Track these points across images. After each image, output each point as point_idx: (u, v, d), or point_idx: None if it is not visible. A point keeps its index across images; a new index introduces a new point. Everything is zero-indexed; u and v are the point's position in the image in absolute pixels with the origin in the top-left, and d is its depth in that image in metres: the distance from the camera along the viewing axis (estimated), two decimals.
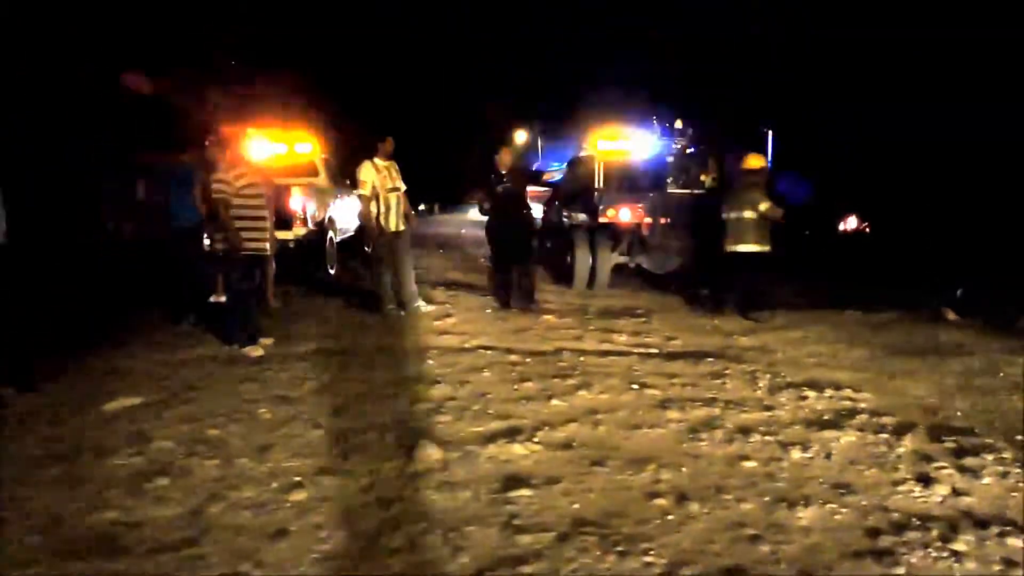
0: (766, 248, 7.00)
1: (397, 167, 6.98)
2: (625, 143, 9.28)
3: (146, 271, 10.17)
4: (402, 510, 2.76)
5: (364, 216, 6.84)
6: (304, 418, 3.81)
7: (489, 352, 5.29)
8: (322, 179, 10.44)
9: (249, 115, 11.01)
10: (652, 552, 2.37)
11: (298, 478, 3.06)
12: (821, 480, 2.96)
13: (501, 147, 7.58)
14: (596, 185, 9.03)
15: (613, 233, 8.96)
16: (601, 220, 8.76)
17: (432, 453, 3.21)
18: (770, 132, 8.43)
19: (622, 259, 9.31)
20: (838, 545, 2.42)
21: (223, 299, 7.52)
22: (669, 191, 9.04)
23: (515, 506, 2.74)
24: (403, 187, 6.98)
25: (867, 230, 12.72)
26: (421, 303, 7.14)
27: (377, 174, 6.75)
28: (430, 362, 5.00)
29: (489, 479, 3.00)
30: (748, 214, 6.92)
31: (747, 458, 3.19)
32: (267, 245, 5.83)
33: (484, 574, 2.29)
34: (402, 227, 6.90)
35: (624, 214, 8.61)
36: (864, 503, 2.74)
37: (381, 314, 6.87)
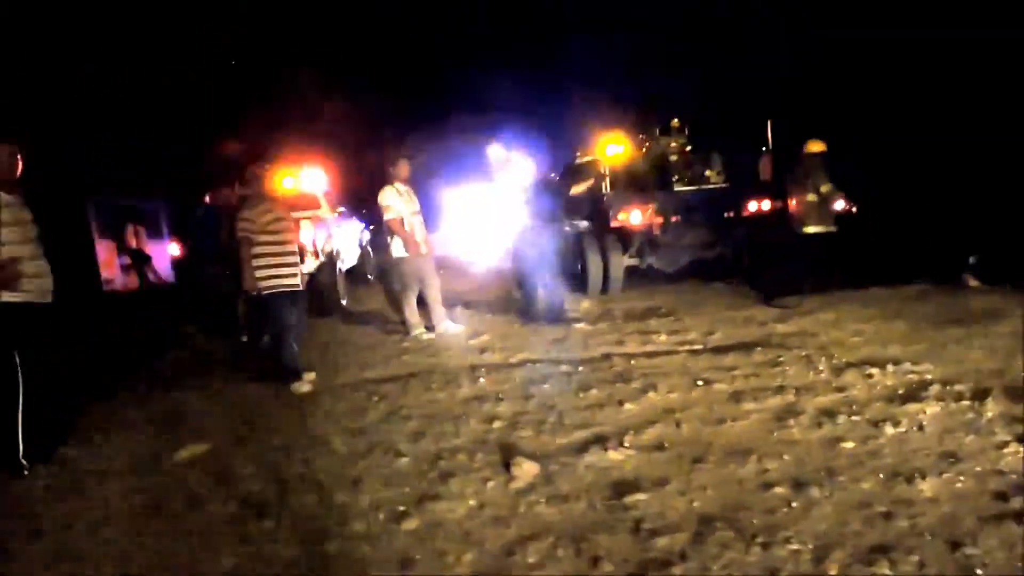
0: (832, 228, 7.21)
1: (413, 191, 7.00)
2: (629, 145, 9.37)
3: (148, 318, 10.13)
4: (522, 527, 2.74)
5: (402, 237, 6.79)
6: (383, 447, 3.77)
7: (538, 365, 5.29)
8: (325, 210, 10.42)
9: (253, 149, 11.00)
10: (793, 540, 2.38)
11: (402, 507, 3.03)
12: (926, 452, 2.99)
13: (526, 159, 7.58)
14: (603, 190, 9.08)
15: (623, 236, 9.02)
16: (612, 224, 8.80)
17: (531, 468, 3.20)
18: (769, 123, 8.55)
19: (632, 261, 9.36)
20: (972, 512, 2.45)
21: (244, 339, 7.54)
22: (676, 189, 9.13)
23: (636, 511, 2.74)
24: (420, 210, 7.01)
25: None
26: (449, 324, 7.13)
27: (400, 198, 6.77)
28: (483, 380, 4.98)
29: (597, 487, 2.99)
30: (810, 196, 7.14)
31: (842, 439, 3.22)
32: (298, 280, 5.77)
33: None
34: (425, 249, 6.91)
35: (635, 216, 8.67)
36: (978, 469, 2.78)
37: (412, 338, 6.86)
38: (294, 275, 5.66)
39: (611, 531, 2.61)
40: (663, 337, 5.94)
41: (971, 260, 7.51)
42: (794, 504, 2.65)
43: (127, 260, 15.23)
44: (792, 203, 7.41)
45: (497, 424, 3.95)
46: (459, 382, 4.97)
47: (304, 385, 5.36)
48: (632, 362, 5.08)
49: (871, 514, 2.51)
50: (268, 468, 3.65)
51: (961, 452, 2.95)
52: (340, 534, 2.85)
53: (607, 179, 9.07)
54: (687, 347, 5.51)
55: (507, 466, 3.27)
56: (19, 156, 3.77)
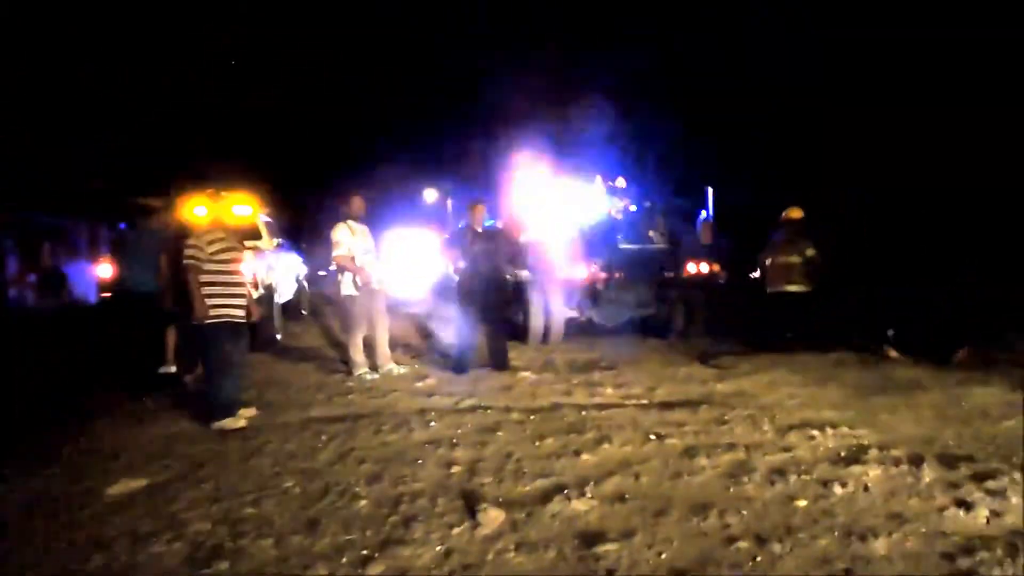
0: (810, 288, 7.91)
1: (368, 229, 6.98)
2: (574, 200, 9.64)
3: (64, 341, 9.59)
4: (495, 573, 2.73)
5: (352, 272, 6.70)
6: (339, 489, 3.68)
7: (489, 411, 5.29)
8: (266, 241, 10.21)
9: (190, 176, 10.71)
10: None
11: (365, 551, 2.96)
12: (874, 513, 3.15)
13: (475, 204, 7.56)
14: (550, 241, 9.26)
15: (567, 288, 9.19)
16: (559, 275, 8.97)
17: (497, 515, 3.19)
18: (710, 189, 8.98)
19: (573, 313, 9.54)
20: (924, 571, 2.59)
21: (172, 369, 7.23)
22: (621, 246, 9.41)
23: (607, 561, 2.77)
24: (374, 249, 6.98)
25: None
26: (393, 365, 7.06)
27: (352, 236, 6.72)
28: (435, 424, 4.94)
29: (565, 537, 3.01)
30: (795, 259, 7.72)
31: (795, 497, 3.35)
32: (244, 313, 5.60)
33: None
34: (377, 288, 6.86)
35: (581, 269, 8.87)
36: (923, 530, 2.94)
37: (356, 378, 6.75)
38: (241, 307, 5.53)
39: None
40: (609, 390, 6.05)
41: (889, 333, 8.00)
42: (759, 558, 2.74)
43: (36, 278, 14.48)
44: (772, 264, 7.92)
45: (456, 469, 3.92)
46: (410, 425, 4.91)
47: (236, 421, 5.16)
48: (583, 413, 5.14)
49: (834, 570, 2.62)
50: (215, 508, 3.50)
51: (906, 514, 3.12)
52: None
53: (555, 231, 9.26)
54: (634, 401, 5.63)
55: (472, 512, 3.26)
56: None
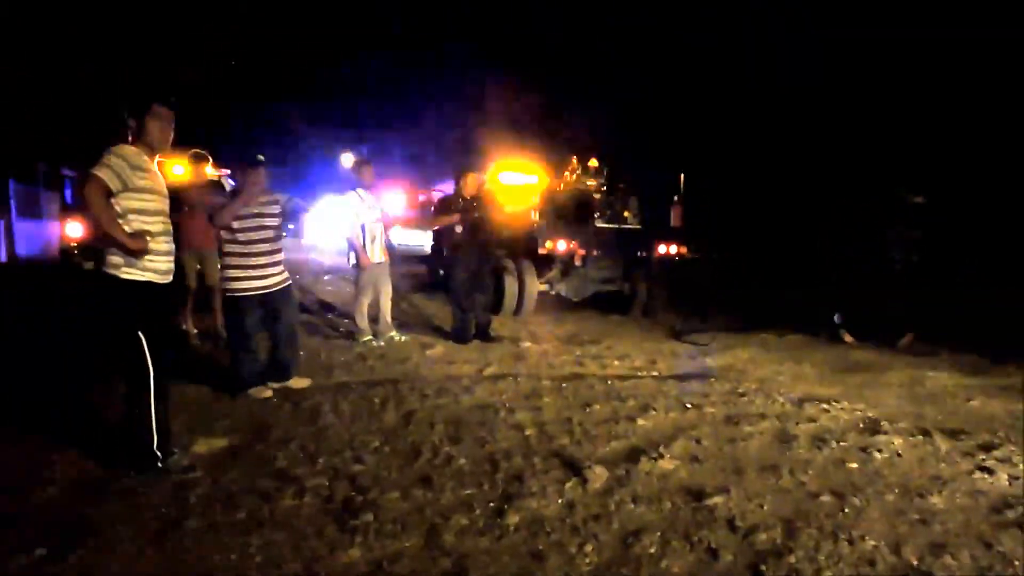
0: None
1: (376, 197, 7.04)
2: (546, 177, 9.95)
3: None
4: (624, 523, 3.05)
5: (354, 248, 6.75)
6: (428, 448, 3.90)
7: (519, 379, 5.57)
8: None
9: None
10: (868, 537, 2.92)
11: (492, 504, 3.23)
12: (917, 475, 3.69)
13: (466, 172, 7.59)
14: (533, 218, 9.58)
15: (543, 262, 9.55)
16: (540, 251, 9.30)
17: (602, 472, 3.52)
18: (682, 175, 9.53)
19: (544, 287, 9.92)
20: (984, 520, 3.12)
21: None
22: (599, 225, 9.84)
23: (723, 512, 3.15)
24: (383, 217, 7.05)
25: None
26: (395, 333, 7.20)
27: (362, 203, 6.77)
28: (476, 389, 5.19)
29: (671, 491, 3.37)
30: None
31: (845, 461, 3.85)
32: (279, 280, 5.43)
33: (759, 566, 2.70)
34: (384, 258, 6.94)
35: (561, 246, 9.24)
36: (963, 488, 3.50)
37: (362, 344, 6.86)
38: (275, 275, 5.33)
39: (712, 528, 3.00)
40: (616, 362, 6.47)
41: (836, 318, 8.82)
42: (846, 510, 3.20)
43: None
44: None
45: (529, 432, 4.21)
46: (452, 391, 5.13)
47: (264, 391, 5.04)
48: (609, 383, 5.52)
49: (911, 520, 3.11)
50: (322, 465, 3.64)
51: (943, 476, 3.67)
52: (449, 528, 2.98)
53: (537, 209, 9.58)
54: (645, 373, 6.07)
55: (575, 469, 3.57)
56: (172, 123, 3.55)
